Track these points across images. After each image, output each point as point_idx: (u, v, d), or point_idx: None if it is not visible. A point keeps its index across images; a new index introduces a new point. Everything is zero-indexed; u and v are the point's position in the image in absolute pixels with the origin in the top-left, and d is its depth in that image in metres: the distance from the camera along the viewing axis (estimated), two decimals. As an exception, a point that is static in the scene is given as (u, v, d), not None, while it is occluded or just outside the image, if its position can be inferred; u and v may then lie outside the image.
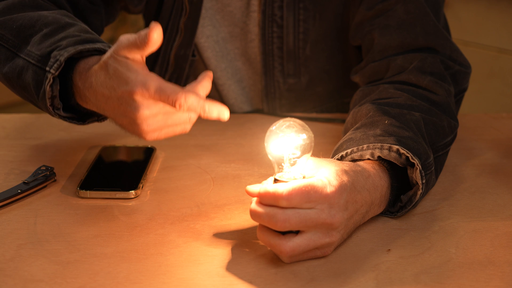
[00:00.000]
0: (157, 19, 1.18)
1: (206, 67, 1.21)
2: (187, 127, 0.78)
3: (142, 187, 0.87)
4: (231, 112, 1.24)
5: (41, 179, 0.87)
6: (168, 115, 0.76)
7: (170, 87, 0.72)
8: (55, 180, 0.89)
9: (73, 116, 0.85)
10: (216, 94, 1.25)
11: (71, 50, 0.79)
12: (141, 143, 1.01)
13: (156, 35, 0.72)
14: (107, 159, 0.96)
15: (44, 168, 0.88)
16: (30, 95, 0.85)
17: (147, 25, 1.23)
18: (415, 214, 0.82)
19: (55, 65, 0.79)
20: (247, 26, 1.16)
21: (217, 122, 1.15)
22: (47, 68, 0.80)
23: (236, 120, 1.18)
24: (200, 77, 0.77)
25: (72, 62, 0.81)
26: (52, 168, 0.89)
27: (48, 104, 0.81)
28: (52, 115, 0.84)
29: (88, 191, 0.85)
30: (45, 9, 0.93)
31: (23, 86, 0.86)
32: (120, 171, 0.92)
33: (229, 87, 1.22)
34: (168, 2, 1.14)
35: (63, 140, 1.04)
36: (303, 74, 1.17)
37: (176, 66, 1.18)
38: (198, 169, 0.95)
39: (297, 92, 1.19)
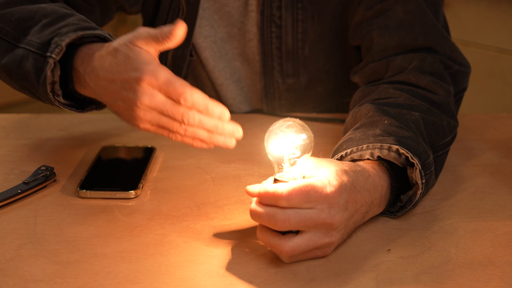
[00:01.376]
0: (154, 19, 1.18)
1: (204, 67, 1.21)
2: (177, 135, 0.77)
3: (142, 187, 0.87)
4: (230, 112, 1.25)
5: (41, 179, 0.87)
6: (164, 115, 0.75)
7: (179, 80, 0.74)
8: (55, 180, 0.89)
9: (72, 104, 0.86)
10: (214, 94, 1.25)
11: (72, 35, 0.81)
12: (141, 143, 1.01)
13: (180, 31, 0.74)
14: (107, 159, 0.96)
15: (44, 168, 0.88)
16: (30, 83, 0.86)
17: (145, 25, 1.23)
18: (415, 214, 0.82)
19: (57, 49, 0.80)
20: (245, 26, 1.16)
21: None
22: (48, 54, 0.81)
23: (236, 120, 1.17)
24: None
25: (71, 48, 0.82)
26: (52, 168, 0.89)
27: (49, 90, 0.82)
28: (52, 103, 0.84)
29: (88, 191, 0.85)
30: (43, 2, 0.94)
31: (22, 75, 0.86)
32: (120, 171, 0.92)
33: (227, 87, 1.22)
34: (165, 2, 1.14)
35: (63, 140, 1.04)
36: (302, 74, 1.17)
37: (173, 66, 1.18)
38: (198, 169, 0.95)
39: (296, 92, 1.19)
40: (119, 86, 0.76)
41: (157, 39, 0.75)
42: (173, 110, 0.74)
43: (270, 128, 0.73)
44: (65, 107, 0.85)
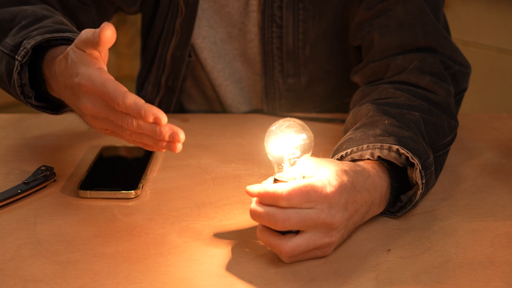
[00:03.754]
0: (153, 20, 1.18)
1: (203, 68, 1.21)
2: (127, 139, 0.75)
3: (142, 187, 0.87)
4: (229, 112, 1.25)
5: (41, 179, 0.87)
6: (108, 120, 0.73)
7: (112, 85, 0.70)
8: (55, 180, 0.89)
9: (46, 106, 0.86)
10: (213, 95, 1.25)
11: (38, 38, 0.81)
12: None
13: (108, 33, 0.71)
14: (107, 159, 0.96)
15: (44, 168, 0.88)
16: (5, 84, 0.87)
17: (143, 26, 1.23)
18: (415, 214, 0.82)
19: (22, 52, 0.81)
20: (246, 27, 1.16)
21: (217, 122, 1.15)
22: (16, 56, 0.81)
23: (236, 120, 1.18)
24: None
25: (41, 51, 0.82)
26: (52, 168, 0.89)
27: (19, 92, 0.82)
28: (25, 104, 0.85)
29: (88, 191, 0.85)
30: (30, 4, 0.95)
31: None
32: (120, 171, 0.92)
33: (226, 88, 1.22)
34: (164, 3, 1.14)
35: (63, 140, 1.04)
36: (303, 74, 1.17)
37: (172, 67, 1.18)
38: (198, 169, 0.95)
39: (297, 92, 1.19)
40: (70, 92, 0.76)
41: (91, 43, 0.72)
42: (112, 116, 0.72)
43: (270, 128, 0.73)
44: (39, 109, 0.86)
